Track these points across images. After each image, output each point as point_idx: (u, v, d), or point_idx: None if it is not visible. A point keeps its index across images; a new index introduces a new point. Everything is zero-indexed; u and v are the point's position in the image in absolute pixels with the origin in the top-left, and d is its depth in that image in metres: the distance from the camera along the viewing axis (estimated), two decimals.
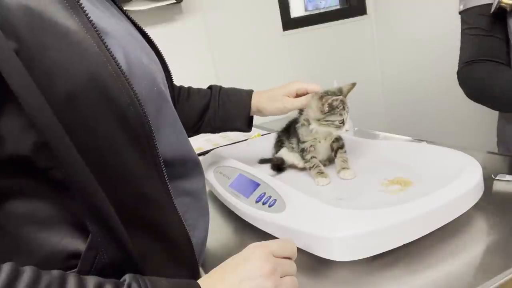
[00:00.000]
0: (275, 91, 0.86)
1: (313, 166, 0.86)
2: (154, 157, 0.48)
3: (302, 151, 0.88)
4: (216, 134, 0.99)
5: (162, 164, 0.49)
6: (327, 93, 0.82)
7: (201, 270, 0.64)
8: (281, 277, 0.48)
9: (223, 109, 0.86)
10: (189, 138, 0.65)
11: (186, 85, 0.91)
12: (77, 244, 0.46)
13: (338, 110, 0.80)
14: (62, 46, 0.42)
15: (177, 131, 0.59)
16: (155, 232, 0.50)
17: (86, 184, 0.43)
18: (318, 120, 0.82)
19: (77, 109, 0.43)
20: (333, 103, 0.79)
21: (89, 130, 0.44)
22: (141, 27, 0.65)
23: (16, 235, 0.45)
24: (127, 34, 0.55)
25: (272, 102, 0.85)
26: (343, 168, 0.85)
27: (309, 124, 0.85)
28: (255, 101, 0.86)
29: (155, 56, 0.63)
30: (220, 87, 0.88)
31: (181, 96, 0.86)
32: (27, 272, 0.38)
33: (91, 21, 0.44)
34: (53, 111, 0.41)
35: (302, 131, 0.87)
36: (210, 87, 0.89)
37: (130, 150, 0.46)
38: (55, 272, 0.40)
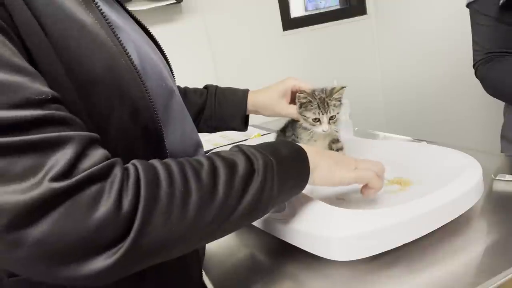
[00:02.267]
0: (272, 92, 0.86)
1: None
2: (161, 150, 0.50)
3: None
4: (216, 134, 0.99)
5: (168, 157, 0.50)
6: (315, 91, 0.83)
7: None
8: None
9: (219, 109, 0.86)
10: None
11: (186, 85, 0.91)
12: None
13: (312, 107, 0.81)
14: (81, 38, 0.43)
15: (184, 124, 0.60)
16: None
17: None
18: (300, 114, 0.84)
19: (93, 99, 0.43)
20: (301, 99, 0.82)
21: (103, 120, 0.44)
22: (145, 26, 0.66)
23: None
24: (134, 30, 0.56)
25: (268, 104, 0.85)
26: None
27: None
28: (251, 101, 0.86)
29: (160, 53, 0.64)
30: (216, 87, 0.89)
31: None
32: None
33: (104, 16, 0.46)
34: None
35: (299, 130, 0.88)
36: (206, 87, 0.89)
37: (140, 142, 0.47)
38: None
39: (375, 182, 0.60)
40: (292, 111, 0.85)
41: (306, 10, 2.24)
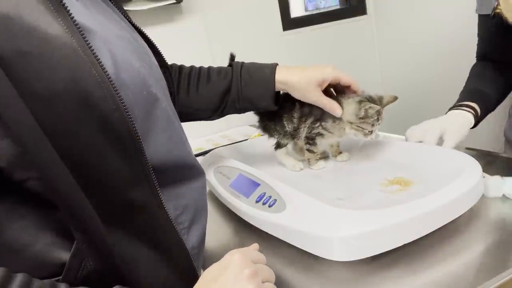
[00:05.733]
0: (309, 77, 0.80)
1: (316, 153, 0.89)
2: (142, 162, 0.47)
3: (316, 136, 0.87)
4: (216, 134, 0.98)
5: (150, 169, 0.48)
6: (367, 99, 0.81)
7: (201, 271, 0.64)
8: (262, 282, 0.48)
9: (246, 90, 0.81)
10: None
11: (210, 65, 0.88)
12: (62, 251, 0.46)
13: (372, 119, 0.80)
14: (43, 51, 0.41)
15: (170, 134, 0.57)
16: (145, 238, 0.49)
17: (68, 192, 0.43)
18: (351, 123, 0.81)
19: (58, 114, 0.41)
20: (369, 111, 0.79)
21: (71, 136, 0.42)
22: (139, 27, 0.65)
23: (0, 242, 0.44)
24: (117, 36, 0.53)
25: (302, 88, 0.81)
26: (339, 153, 0.92)
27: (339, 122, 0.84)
28: (283, 78, 0.81)
29: (151, 58, 0.62)
30: (242, 65, 0.84)
31: (201, 79, 0.83)
32: (19, 277, 0.38)
33: (76, 24, 0.43)
34: (34, 117, 0.40)
35: (329, 123, 0.86)
36: (231, 65, 0.85)
37: (115, 156, 0.45)
38: (46, 281, 0.40)
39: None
40: (325, 101, 0.81)
41: (306, 10, 2.23)
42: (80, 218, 0.44)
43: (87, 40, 0.43)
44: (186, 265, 0.53)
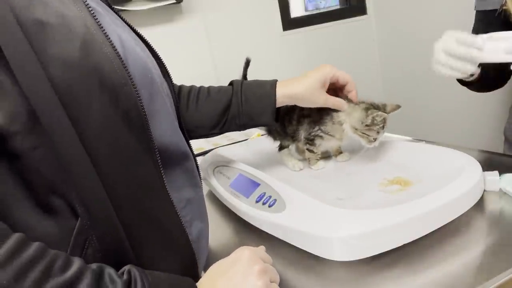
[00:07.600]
0: (311, 82, 0.80)
1: (316, 153, 0.90)
2: (147, 139, 0.49)
3: (314, 137, 0.87)
4: None
5: (155, 148, 0.50)
6: (372, 106, 0.81)
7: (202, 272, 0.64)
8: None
9: (247, 105, 0.81)
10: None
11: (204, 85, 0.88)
12: (70, 231, 0.46)
13: (378, 127, 0.80)
14: (59, 23, 0.44)
15: (171, 122, 0.59)
16: (148, 219, 0.50)
17: (76, 161, 0.44)
18: (356, 129, 0.81)
19: (73, 82, 0.44)
20: (377, 118, 0.79)
21: (83, 105, 0.45)
22: (138, 31, 0.66)
23: (4, 219, 0.44)
24: (123, 31, 0.56)
25: (307, 95, 0.80)
26: (340, 153, 0.92)
27: (341, 124, 0.84)
28: (286, 92, 0.80)
29: (151, 55, 0.64)
30: (242, 81, 0.84)
31: (200, 95, 0.83)
32: (36, 243, 0.40)
33: (89, 8, 0.47)
34: (50, 83, 0.43)
35: (329, 126, 0.86)
36: (231, 83, 0.85)
37: (123, 130, 0.47)
38: (61, 252, 0.42)
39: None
40: (332, 101, 0.81)
41: (306, 10, 2.24)
42: (86, 190, 0.45)
43: (98, 20, 0.47)
44: (187, 251, 0.54)
